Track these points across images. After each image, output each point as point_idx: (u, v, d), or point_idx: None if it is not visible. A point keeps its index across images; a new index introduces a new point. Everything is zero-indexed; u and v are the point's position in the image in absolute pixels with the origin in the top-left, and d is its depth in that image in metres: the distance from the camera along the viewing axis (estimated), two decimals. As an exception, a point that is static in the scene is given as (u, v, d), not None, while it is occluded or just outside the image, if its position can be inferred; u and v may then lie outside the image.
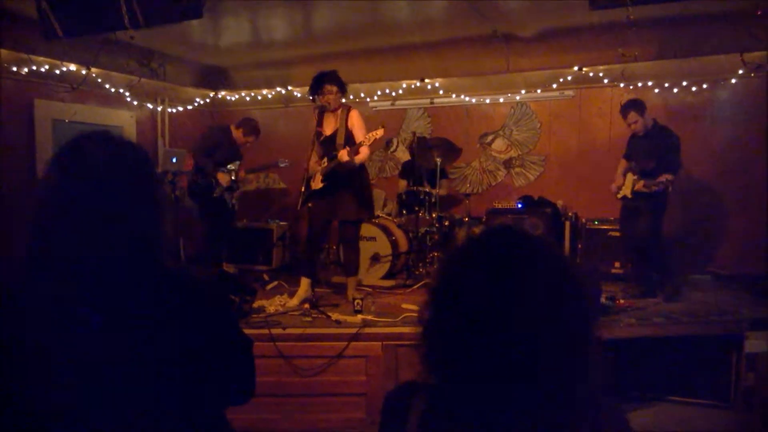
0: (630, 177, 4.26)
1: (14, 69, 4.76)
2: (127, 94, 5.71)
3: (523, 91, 5.77)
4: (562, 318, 0.78)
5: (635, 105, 4.20)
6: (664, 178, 3.93)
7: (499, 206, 5.43)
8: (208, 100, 6.65)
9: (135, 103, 5.92)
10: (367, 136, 3.71)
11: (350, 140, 3.86)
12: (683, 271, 4.72)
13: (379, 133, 3.70)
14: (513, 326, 0.77)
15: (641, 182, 4.11)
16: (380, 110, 6.32)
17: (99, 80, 5.33)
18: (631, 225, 4.28)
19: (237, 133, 4.95)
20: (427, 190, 5.00)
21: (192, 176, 4.86)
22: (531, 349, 0.76)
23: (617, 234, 4.87)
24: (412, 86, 5.99)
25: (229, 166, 4.79)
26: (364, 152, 3.83)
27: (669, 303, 3.98)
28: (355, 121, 3.89)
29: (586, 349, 0.80)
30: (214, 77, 6.51)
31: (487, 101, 5.98)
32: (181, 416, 1.03)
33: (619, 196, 4.35)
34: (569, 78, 5.48)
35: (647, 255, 4.22)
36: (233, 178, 4.79)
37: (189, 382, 1.03)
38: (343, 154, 3.73)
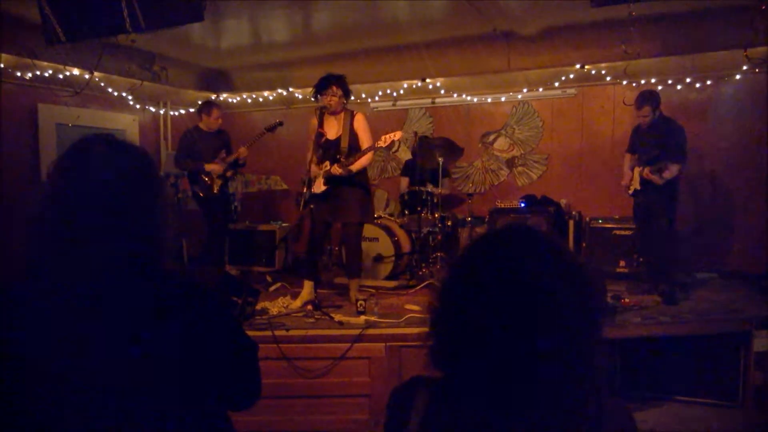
0: (637, 170, 4.15)
1: (18, 74, 4.79)
2: (130, 97, 5.73)
3: (524, 90, 5.75)
4: (569, 316, 0.78)
5: (652, 100, 4.04)
6: (672, 167, 3.80)
7: (502, 206, 5.42)
8: (210, 103, 6.66)
9: (137, 106, 5.94)
10: (383, 138, 3.74)
11: (355, 144, 3.86)
12: (688, 270, 4.67)
13: (398, 135, 3.74)
14: (520, 323, 0.76)
15: (647, 169, 3.95)
16: (381, 111, 6.31)
17: (102, 84, 5.35)
18: (646, 223, 4.17)
19: (206, 121, 4.83)
20: (430, 189, 4.98)
21: (189, 181, 4.84)
22: (537, 347, 0.76)
23: (622, 232, 4.83)
24: (413, 86, 5.98)
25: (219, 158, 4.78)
26: (368, 157, 3.86)
27: (669, 305, 3.78)
28: (361, 124, 3.90)
29: (592, 347, 0.80)
30: (215, 80, 6.53)
31: (489, 100, 5.96)
32: (184, 420, 1.03)
33: (630, 191, 4.23)
34: (571, 76, 5.45)
35: (659, 254, 4.10)
36: (230, 161, 4.74)
37: (192, 386, 1.03)
38: (336, 169, 3.75)
